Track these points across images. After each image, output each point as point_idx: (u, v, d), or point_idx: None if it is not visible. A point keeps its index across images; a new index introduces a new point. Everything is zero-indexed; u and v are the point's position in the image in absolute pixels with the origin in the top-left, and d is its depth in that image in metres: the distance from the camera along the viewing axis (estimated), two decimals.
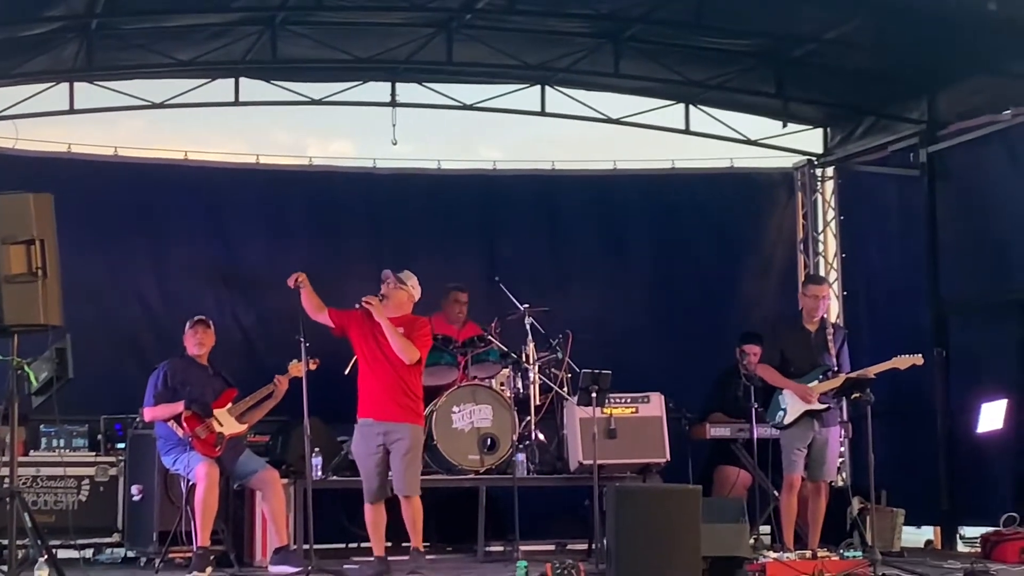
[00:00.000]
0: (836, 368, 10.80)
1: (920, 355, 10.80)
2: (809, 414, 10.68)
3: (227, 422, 10.52)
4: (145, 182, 13.12)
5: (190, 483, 10.33)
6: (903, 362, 10.73)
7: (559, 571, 8.95)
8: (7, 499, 8.65)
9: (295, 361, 10.38)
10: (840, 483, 13.00)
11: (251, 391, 10.73)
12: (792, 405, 10.76)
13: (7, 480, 8.93)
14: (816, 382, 10.72)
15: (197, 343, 10.72)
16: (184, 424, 10.37)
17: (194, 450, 10.29)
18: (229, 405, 10.59)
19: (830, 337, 10.88)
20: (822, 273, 14.45)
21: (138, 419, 11.16)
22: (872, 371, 10.58)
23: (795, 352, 10.87)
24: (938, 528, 13.08)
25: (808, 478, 10.75)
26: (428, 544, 13.05)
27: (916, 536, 13.03)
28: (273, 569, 10.11)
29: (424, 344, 9.95)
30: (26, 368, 8.81)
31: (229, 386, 10.74)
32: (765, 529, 11.92)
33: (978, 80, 12.57)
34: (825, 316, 11.15)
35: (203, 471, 10.21)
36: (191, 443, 10.30)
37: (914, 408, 12.82)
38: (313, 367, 10.21)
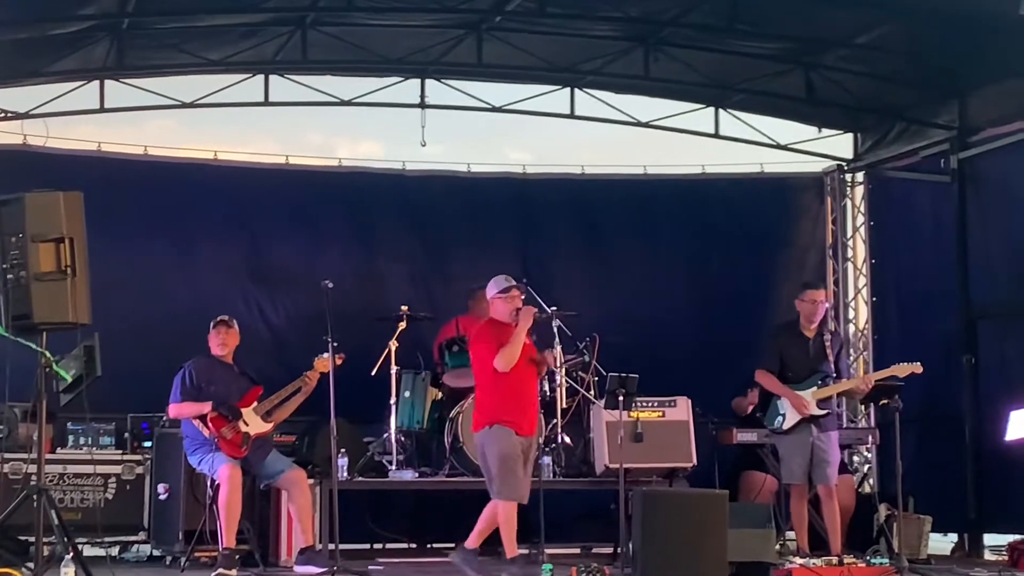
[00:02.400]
0: (835, 374, 10.77)
1: (919, 364, 10.71)
2: (807, 420, 10.65)
3: (253, 421, 10.52)
4: (174, 181, 13.15)
5: (215, 483, 10.33)
6: (902, 370, 10.69)
7: (584, 574, 8.93)
8: (34, 496, 8.68)
9: (322, 356, 10.37)
10: (867, 490, 12.97)
11: (277, 390, 10.72)
12: (790, 411, 10.73)
13: (34, 477, 8.95)
14: (814, 388, 10.68)
15: (220, 344, 10.73)
16: (210, 424, 10.37)
17: (220, 451, 10.29)
18: (255, 404, 10.59)
19: (828, 343, 10.85)
20: (852, 278, 14.41)
21: (164, 417, 11.19)
22: (881, 375, 10.55)
23: (793, 358, 10.84)
24: (964, 535, 13.04)
25: (814, 483, 10.68)
26: (453, 546, 13.15)
27: (942, 543, 12.96)
28: (299, 569, 10.12)
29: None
30: (55, 366, 8.83)
31: (254, 384, 10.74)
32: (791, 535, 11.87)
33: (1010, 85, 12.48)
34: (823, 322, 11.10)
35: (226, 473, 10.21)
36: (217, 443, 10.31)
37: (942, 415, 12.77)
38: (339, 362, 10.20)
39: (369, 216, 13.75)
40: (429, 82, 13.48)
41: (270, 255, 13.44)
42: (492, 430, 9.90)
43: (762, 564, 9.31)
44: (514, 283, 10.19)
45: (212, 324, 10.82)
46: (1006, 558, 11.52)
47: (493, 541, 11.79)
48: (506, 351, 9.96)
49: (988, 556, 12.52)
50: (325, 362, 10.34)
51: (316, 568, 9.86)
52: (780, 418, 10.75)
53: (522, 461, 9.92)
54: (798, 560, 9.88)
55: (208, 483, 10.50)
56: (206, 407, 10.41)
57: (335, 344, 10.06)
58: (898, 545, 10.80)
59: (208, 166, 13.38)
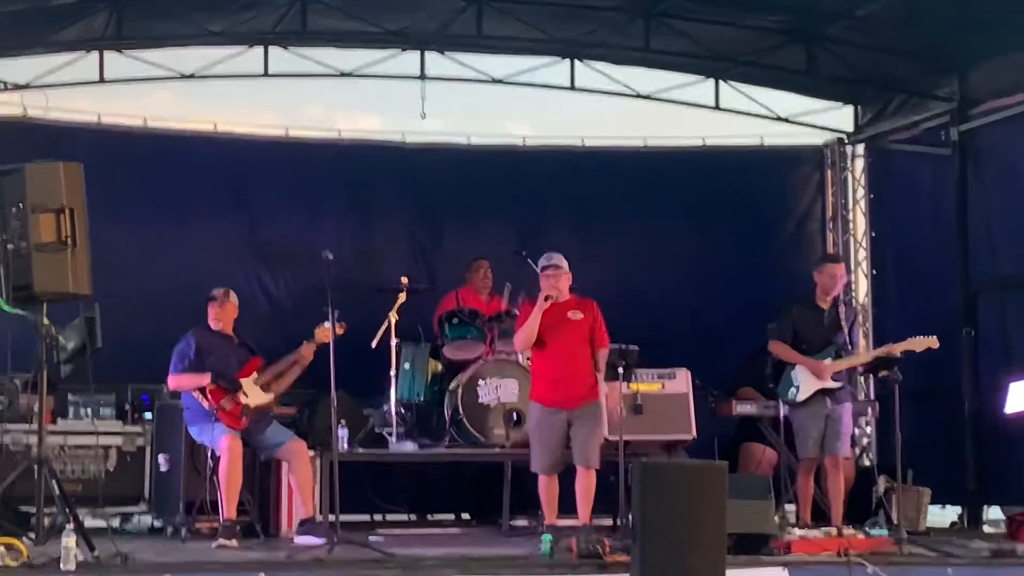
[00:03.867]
0: (849, 346, 10.76)
1: (935, 338, 10.71)
2: (821, 392, 10.65)
3: (252, 392, 10.51)
4: (174, 153, 13.17)
5: (215, 454, 10.34)
6: (918, 344, 10.67)
7: (584, 545, 8.94)
8: (35, 467, 8.70)
9: (322, 325, 10.35)
10: (867, 462, 12.98)
11: (277, 361, 10.71)
12: (805, 382, 10.72)
13: (35, 448, 8.96)
14: (828, 360, 10.68)
15: (214, 318, 10.71)
16: (209, 396, 10.37)
17: (220, 422, 10.29)
18: (254, 375, 10.58)
19: (842, 315, 10.85)
20: (851, 252, 14.41)
21: (165, 389, 11.19)
22: (898, 348, 10.53)
23: (808, 330, 10.82)
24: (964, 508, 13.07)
25: (824, 454, 10.70)
26: (453, 518, 13.20)
27: (941, 517, 12.98)
28: (299, 540, 10.13)
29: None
30: (55, 337, 8.83)
31: (253, 356, 10.73)
32: (790, 508, 11.87)
33: (1011, 57, 12.44)
34: (838, 295, 11.09)
35: (226, 444, 10.21)
36: (216, 415, 10.31)
37: (942, 388, 12.78)
38: (340, 332, 10.19)
39: (369, 188, 13.75)
40: (429, 54, 13.43)
41: (269, 227, 13.45)
42: (530, 404, 10.33)
43: (761, 535, 9.32)
44: (552, 262, 10.24)
45: (209, 296, 10.79)
46: (1005, 530, 11.54)
47: (492, 513, 11.91)
48: (521, 331, 10.17)
49: (987, 530, 12.54)
50: (326, 332, 10.32)
51: (316, 539, 9.87)
52: (794, 389, 10.75)
53: (556, 434, 10.04)
54: (797, 531, 9.89)
55: (208, 454, 10.50)
56: (205, 379, 10.40)
57: (336, 313, 10.01)
58: (897, 517, 10.81)
59: (208, 137, 13.39)
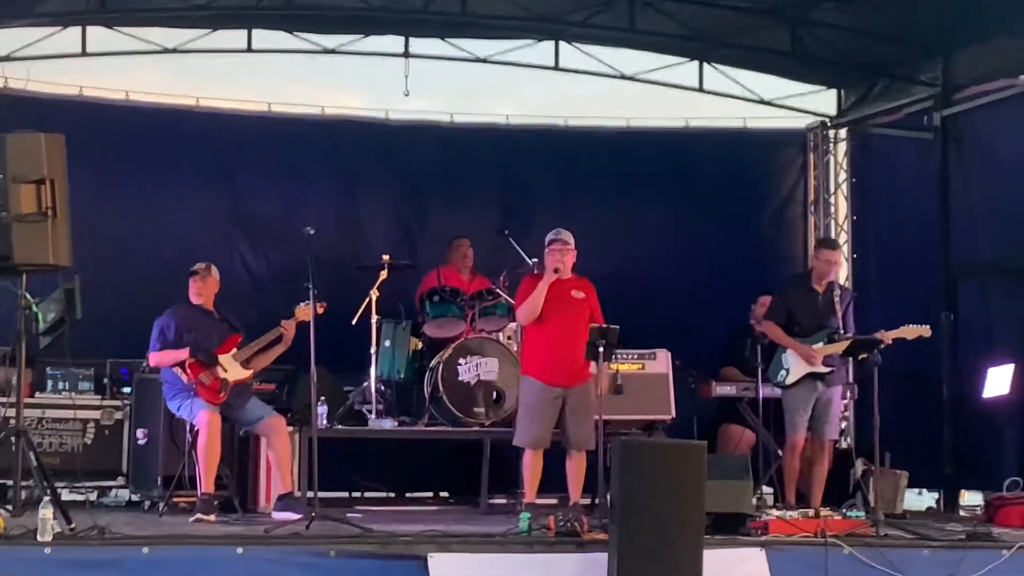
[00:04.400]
0: (842, 330, 10.78)
1: (928, 326, 10.75)
2: (812, 375, 10.68)
3: (231, 368, 10.49)
4: (156, 127, 13.12)
5: (194, 429, 10.32)
6: (911, 332, 10.69)
7: (562, 523, 8.95)
8: (12, 438, 8.68)
9: (302, 304, 10.33)
10: (844, 445, 13.01)
11: (257, 337, 10.70)
12: (795, 366, 10.76)
13: (13, 420, 8.93)
14: (821, 344, 10.70)
15: (195, 293, 10.66)
16: (188, 370, 10.34)
17: (198, 396, 10.28)
18: (234, 351, 10.55)
19: (837, 299, 10.86)
20: (832, 235, 14.42)
21: (144, 363, 11.17)
22: (890, 336, 10.53)
23: (802, 312, 10.85)
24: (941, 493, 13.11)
25: (811, 437, 10.74)
26: (431, 495, 13.20)
27: (919, 503, 13.03)
28: (277, 515, 10.11)
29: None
30: (35, 308, 8.81)
31: (234, 331, 10.70)
32: (768, 489, 11.90)
33: (994, 43, 12.45)
34: (834, 279, 11.11)
35: (205, 418, 10.19)
36: (196, 389, 10.29)
37: (921, 372, 12.78)
38: (321, 311, 10.18)
39: (351, 165, 13.74)
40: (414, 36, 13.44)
41: (251, 202, 13.43)
42: (523, 379, 10.31)
43: (739, 515, 9.34)
44: (559, 237, 10.24)
45: (191, 271, 10.76)
46: (982, 514, 11.58)
47: (471, 491, 11.92)
48: (525, 304, 10.18)
49: (964, 514, 12.59)
50: (305, 311, 10.29)
51: (294, 514, 9.86)
52: (784, 372, 10.79)
53: (550, 411, 10.06)
54: (775, 512, 9.92)
55: (187, 429, 10.48)
56: (184, 353, 10.37)
57: (316, 291, 10.00)
58: (874, 500, 10.84)
59: (190, 112, 13.34)
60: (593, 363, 9.89)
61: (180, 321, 10.56)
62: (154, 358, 10.60)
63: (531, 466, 10.15)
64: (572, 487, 10.19)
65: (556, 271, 10.08)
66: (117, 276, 12.36)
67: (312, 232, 9.88)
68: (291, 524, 9.28)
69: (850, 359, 10.80)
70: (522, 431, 10.21)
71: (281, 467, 10.42)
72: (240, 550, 8.26)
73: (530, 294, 10.20)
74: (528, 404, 10.25)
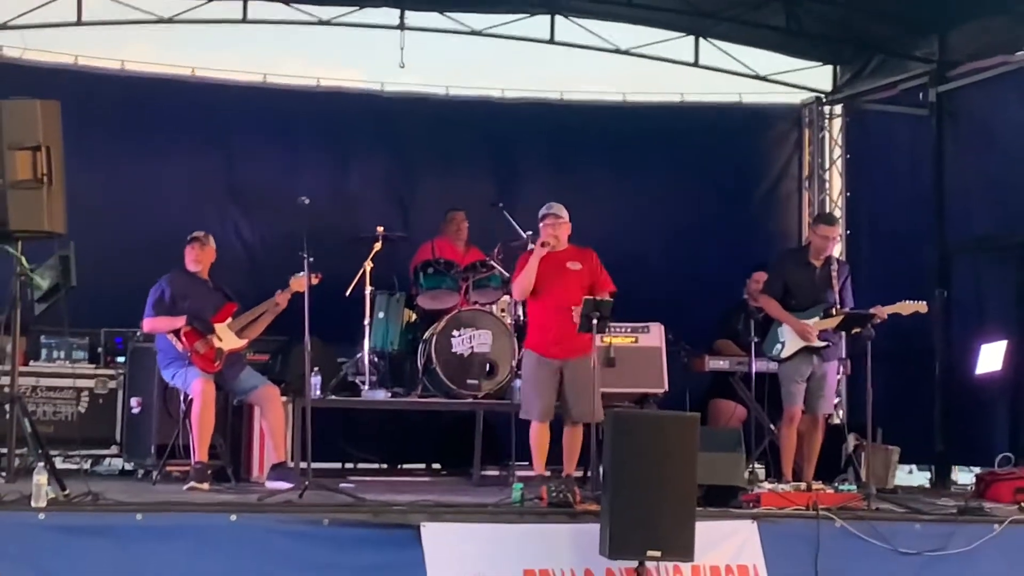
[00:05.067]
0: (838, 305, 10.79)
1: (924, 303, 10.77)
2: (808, 349, 10.70)
3: (227, 337, 10.47)
4: (151, 97, 13.10)
5: (188, 398, 10.33)
6: (907, 307, 10.68)
7: (555, 494, 8.97)
8: (7, 405, 8.69)
9: (297, 275, 10.34)
10: (837, 421, 13.04)
11: (252, 307, 10.70)
12: (790, 340, 10.76)
13: (7, 387, 8.94)
14: (817, 318, 10.72)
15: (194, 260, 10.65)
16: (183, 339, 10.32)
17: (193, 365, 10.27)
18: (229, 320, 10.53)
19: (834, 273, 10.86)
20: (827, 211, 14.43)
21: (138, 332, 11.18)
22: (885, 311, 10.55)
23: (798, 286, 10.86)
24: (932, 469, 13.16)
25: (805, 411, 10.77)
26: (424, 467, 13.23)
27: (910, 481, 13.08)
28: (270, 484, 10.13)
29: None
30: (30, 275, 8.81)
31: (229, 300, 10.68)
32: (759, 465, 11.93)
33: (989, 20, 12.49)
34: (831, 254, 11.12)
35: (199, 387, 10.16)
36: (190, 358, 10.29)
37: (913, 347, 12.82)
38: (316, 282, 10.18)
39: (346, 136, 13.73)
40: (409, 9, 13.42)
41: (246, 173, 13.42)
42: (524, 353, 10.37)
43: (731, 488, 9.35)
44: (552, 211, 10.23)
45: (188, 240, 10.74)
46: (973, 489, 11.61)
47: (463, 463, 11.94)
48: (518, 280, 10.20)
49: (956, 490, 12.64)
50: (301, 281, 10.30)
51: (287, 483, 9.88)
52: (779, 346, 10.79)
53: (549, 383, 10.07)
54: (766, 485, 9.94)
55: (181, 398, 10.49)
56: (180, 321, 10.35)
57: (311, 260, 9.99)
58: (866, 474, 10.87)
59: (185, 82, 13.33)
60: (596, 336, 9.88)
61: (176, 288, 10.53)
62: (148, 324, 10.57)
63: (537, 438, 10.15)
64: (567, 459, 10.21)
65: (544, 245, 10.06)
66: (111, 246, 12.36)
67: (307, 202, 9.87)
68: (284, 493, 9.30)
69: (843, 334, 10.82)
70: (527, 404, 10.23)
71: (274, 436, 10.43)
72: (233, 517, 8.28)
73: (520, 269, 10.24)
74: (528, 377, 10.29)
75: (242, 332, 10.59)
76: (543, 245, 10.07)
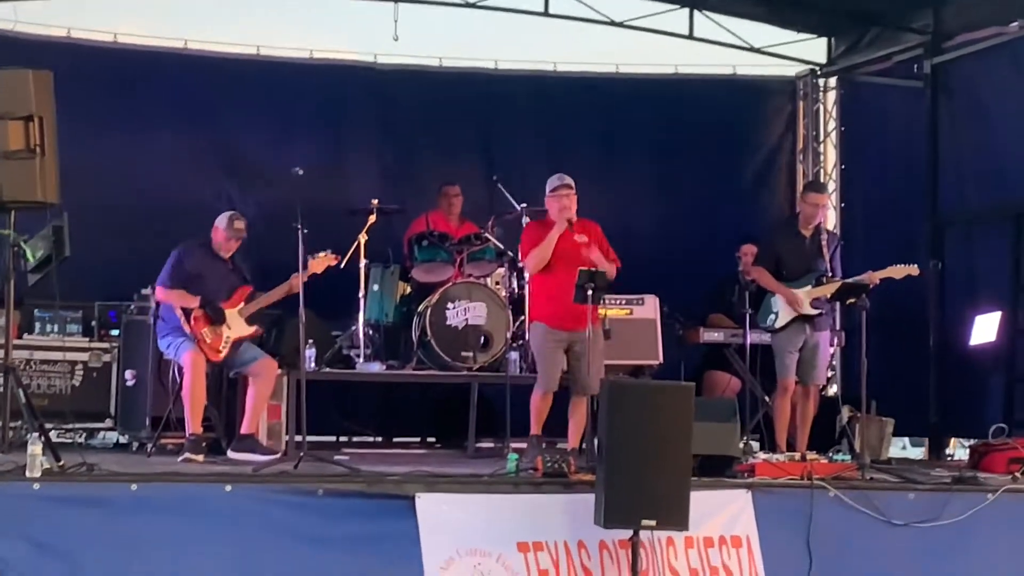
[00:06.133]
0: (830, 273, 10.81)
1: (916, 265, 10.79)
2: (801, 318, 10.71)
3: (236, 324, 10.31)
4: (144, 69, 13.05)
5: (182, 370, 10.28)
6: (899, 271, 10.72)
7: (550, 464, 8.98)
8: (1, 376, 8.68)
9: (316, 255, 10.30)
10: (831, 393, 13.06)
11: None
12: (784, 309, 10.78)
13: (1, 359, 8.92)
14: (809, 287, 10.73)
15: (224, 246, 10.45)
16: (193, 322, 10.16)
17: (188, 338, 10.18)
18: (241, 305, 10.39)
19: (824, 243, 10.88)
20: (822, 184, 14.42)
21: (132, 305, 11.13)
22: (877, 276, 10.56)
23: (789, 256, 10.87)
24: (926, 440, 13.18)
25: (798, 382, 10.78)
26: (418, 440, 13.24)
27: (904, 455, 13.11)
28: (234, 455, 10.05)
29: None
30: (23, 245, 8.79)
31: (245, 283, 10.53)
32: (754, 436, 11.93)
33: None
34: (821, 223, 11.13)
35: (189, 359, 10.07)
36: (197, 344, 10.16)
37: (907, 320, 12.84)
38: (334, 263, 10.25)
39: (340, 109, 13.69)
40: None
41: (239, 145, 13.36)
42: (531, 325, 10.44)
43: (726, 457, 9.36)
44: (564, 182, 10.23)
45: (227, 218, 10.51)
46: (967, 460, 11.63)
47: (458, 435, 11.94)
48: (535, 252, 10.17)
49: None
50: (319, 262, 10.30)
51: (258, 455, 9.81)
52: (772, 316, 10.81)
53: (557, 354, 10.13)
54: (761, 455, 9.96)
55: (175, 370, 10.46)
56: (193, 302, 10.16)
57: (305, 231, 9.89)
58: (860, 445, 10.89)
59: (179, 55, 13.26)
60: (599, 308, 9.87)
61: (196, 261, 10.35)
62: (162, 293, 10.35)
63: (539, 404, 10.21)
64: (572, 431, 10.24)
65: (570, 222, 10.10)
66: (105, 220, 12.26)
67: (301, 172, 9.79)
68: (261, 464, 9.24)
69: (838, 304, 10.83)
70: (539, 375, 10.28)
71: (255, 408, 10.25)
72: (228, 488, 8.28)
73: (536, 241, 10.21)
74: (536, 349, 10.34)
75: (252, 319, 10.43)
76: (568, 221, 10.06)
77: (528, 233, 10.40)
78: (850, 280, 10.63)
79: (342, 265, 11.51)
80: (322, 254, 10.32)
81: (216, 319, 10.23)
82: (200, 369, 10.11)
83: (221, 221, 10.52)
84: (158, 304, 10.50)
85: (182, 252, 10.40)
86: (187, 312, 10.20)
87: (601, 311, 10.95)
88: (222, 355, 10.25)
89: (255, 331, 10.51)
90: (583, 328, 9.90)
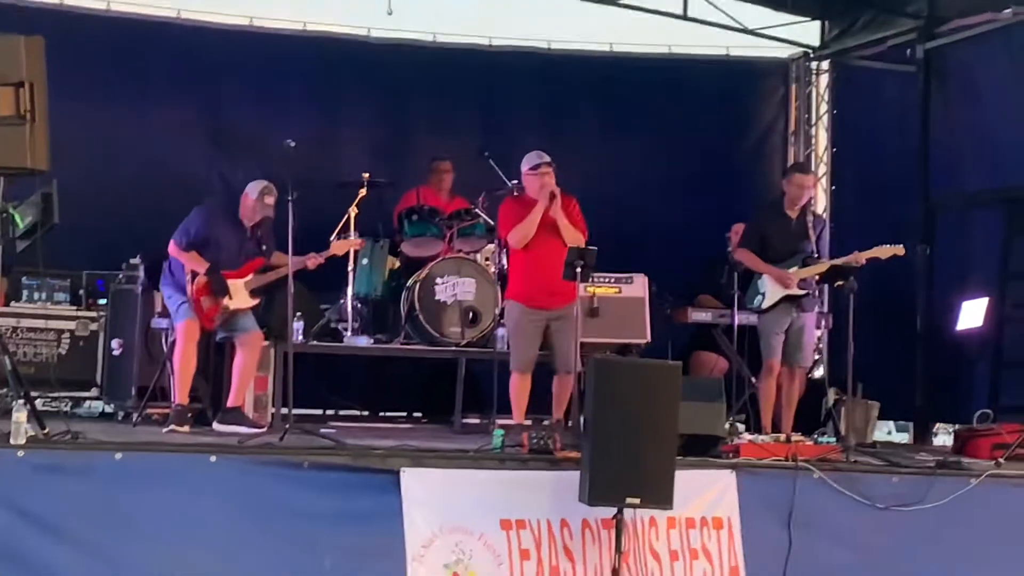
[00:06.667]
0: (816, 254, 10.82)
1: (901, 246, 10.80)
2: (788, 299, 10.72)
3: (238, 296, 10.18)
4: (137, 38, 13.02)
5: (171, 339, 10.24)
6: (884, 251, 10.75)
7: (536, 440, 8.98)
8: None
9: (341, 237, 10.27)
10: (817, 375, 13.07)
11: None
12: (771, 290, 10.80)
13: None
14: (796, 268, 10.74)
15: (251, 216, 10.24)
16: (195, 286, 10.05)
17: (186, 300, 10.11)
18: (250, 276, 10.26)
19: (810, 224, 10.90)
20: (812, 166, 14.43)
21: (120, 275, 11.11)
22: (863, 256, 10.58)
23: (775, 237, 10.89)
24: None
25: (784, 363, 10.80)
26: (405, 415, 13.23)
27: (888, 439, 13.14)
28: (220, 427, 10.02)
29: None
30: (11, 211, 8.76)
31: (260, 254, 10.38)
32: (740, 417, 11.95)
33: None
34: (808, 204, 11.14)
35: (183, 327, 10.04)
36: (193, 307, 10.08)
37: (895, 303, 12.86)
38: (359, 247, 10.44)
39: (332, 82, 13.64)
40: None
41: (231, 116, 13.33)
42: (506, 303, 10.39)
43: (711, 437, 9.37)
44: (544, 160, 10.20)
45: (259, 191, 10.26)
46: (952, 445, 11.66)
47: (444, 411, 11.94)
48: (519, 228, 10.11)
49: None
50: (342, 244, 10.30)
51: (243, 427, 9.80)
52: (760, 297, 10.83)
53: (536, 334, 10.09)
54: (746, 436, 9.98)
55: (163, 339, 10.44)
56: (201, 268, 10.04)
57: (296, 196, 9.78)
58: (845, 427, 10.91)
59: (171, 24, 13.22)
60: (580, 285, 9.85)
61: (216, 226, 10.17)
62: (175, 249, 10.15)
63: (518, 388, 10.18)
64: (556, 405, 10.27)
65: (554, 197, 10.03)
66: (94, 190, 12.22)
67: (293, 144, 9.75)
68: (250, 436, 9.23)
69: (825, 287, 10.85)
70: (513, 356, 10.25)
71: (241, 380, 10.20)
72: (213, 458, 8.27)
73: (514, 218, 10.16)
74: (511, 328, 10.31)
75: (255, 292, 10.32)
76: (552, 196, 10.03)
77: (507, 209, 10.33)
78: (838, 260, 10.64)
79: (332, 238, 11.50)
80: (344, 237, 10.26)
81: (218, 291, 10.09)
82: (193, 339, 10.06)
83: (252, 191, 10.31)
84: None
85: (204, 213, 10.23)
86: (193, 275, 10.10)
87: (589, 289, 11.01)
88: (215, 324, 10.20)
89: (255, 303, 10.41)
90: (560, 306, 9.90)
